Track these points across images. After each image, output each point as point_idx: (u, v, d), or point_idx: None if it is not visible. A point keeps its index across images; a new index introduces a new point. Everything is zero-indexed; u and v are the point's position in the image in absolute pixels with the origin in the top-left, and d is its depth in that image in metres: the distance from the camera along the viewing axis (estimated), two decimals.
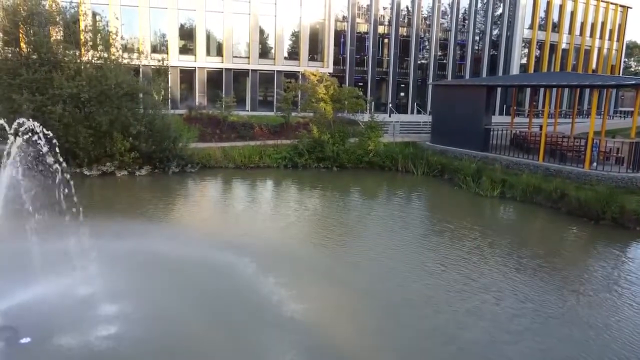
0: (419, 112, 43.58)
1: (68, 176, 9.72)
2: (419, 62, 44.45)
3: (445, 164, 24.61)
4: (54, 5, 22.27)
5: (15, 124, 8.94)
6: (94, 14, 33.12)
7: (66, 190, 9.56)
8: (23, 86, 20.09)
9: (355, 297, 10.83)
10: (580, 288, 11.69)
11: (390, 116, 38.31)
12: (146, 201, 18.74)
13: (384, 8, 42.84)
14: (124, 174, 22.27)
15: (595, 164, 21.22)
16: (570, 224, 17.27)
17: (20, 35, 21.73)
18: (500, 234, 15.95)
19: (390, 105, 41.49)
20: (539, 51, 48.10)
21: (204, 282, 10.90)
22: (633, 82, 19.86)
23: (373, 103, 41.41)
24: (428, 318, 9.87)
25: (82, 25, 22.44)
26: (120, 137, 21.90)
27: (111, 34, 23.09)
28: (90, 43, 22.28)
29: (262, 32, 38.42)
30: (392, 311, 10.13)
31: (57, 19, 22.27)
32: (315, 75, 26.25)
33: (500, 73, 46.65)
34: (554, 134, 27.41)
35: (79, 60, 21.35)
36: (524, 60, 47.41)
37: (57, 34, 22.09)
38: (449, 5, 44.55)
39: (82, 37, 22.24)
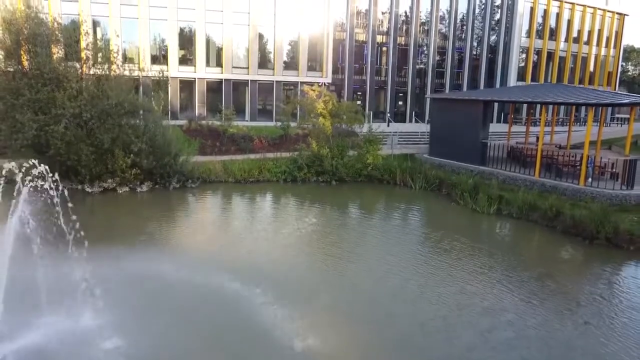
0: (417, 121, 43.93)
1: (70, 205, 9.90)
2: (417, 69, 44.73)
3: (443, 178, 24.89)
4: (55, 23, 22.52)
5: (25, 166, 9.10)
6: (94, 26, 33.60)
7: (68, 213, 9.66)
8: (26, 106, 20.34)
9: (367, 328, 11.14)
10: (571, 314, 12.00)
11: (388, 126, 38.63)
12: (148, 220, 18.94)
13: (383, 13, 43.10)
14: (125, 190, 22.53)
15: (590, 179, 21.52)
16: (565, 244, 17.57)
17: (22, 53, 21.98)
18: (496, 255, 16.16)
19: (389, 114, 41.79)
20: (536, 57, 48.41)
21: (211, 316, 11.16)
22: (627, 101, 20.13)
23: (372, 112, 41.87)
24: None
25: (83, 43, 22.67)
26: (122, 154, 22.16)
27: (112, 52, 23.32)
28: (92, 61, 22.49)
29: (261, 42, 38.69)
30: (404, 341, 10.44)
31: (59, 36, 22.50)
32: (314, 91, 26.53)
33: (498, 81, 47.00)
34: (550, 148, 27.73)
35: (80, 79, 21.52)
36: (522, 66, 47.73)
37: (58, 51, 22.30)
38: (446, 10, 44.82)
39: (83, 55, 22.47)
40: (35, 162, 9.30)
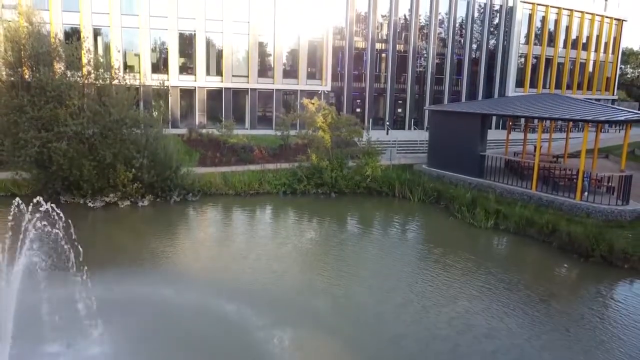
0: (415, 127, 44.17)
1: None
2: (416, 76, 44.95)
3: (441, 190, 25.15)
4: (57, 40, 22.77)
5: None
6: (95, 35, 33.84)
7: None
8: (28, 123, 20.60)
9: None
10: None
11: (387, 134, 38.87)
12: (150, 237, 19.19)
13: (383, 16, 43.29)
14: (127, 205, 22.79)
15: (586, 193, 21.76)
16: (560, 261, 17.83)
17: (25, 69, 22.22)
18: (492, 272, 16.40)
19: (388, 123, 42.00)
20: (535, 61, 48.60)
21: (211, 338, 11.44)
22: (622, 118, 20.37)
23: (371, 120, 42.13)
24: None
25: (84, 59, 22.92)
26: (123, 168, 22.41)
27: (113, 68, 23.56)
28: (93, 76, 22.73)
29: (261, 51, 38.88)
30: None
31: (61, 53, 22.73)
32: (313, 104, 26.78)
33: (497, 89, 47.22)
34: (547, 159, 27.98)
35: (82, 95, 21.75)
36: (521, 70, 47.94)
37: (60, 68, 22.53)
38: (445, 14, 45.02)
39: (84, 71, 22.70)
40: (41, 199, 9.47)
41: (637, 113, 20.80)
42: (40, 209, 9.59)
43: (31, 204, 9.42)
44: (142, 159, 22.36)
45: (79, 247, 10.37)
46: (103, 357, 10.32)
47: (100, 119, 21.35)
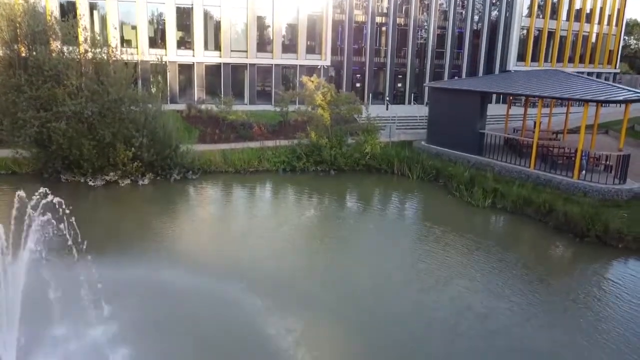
0: (415, 102, 43.97)
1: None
2: (416, 50, 44.48)
3: (440, 168, 25.25)
4: (53, 18, 22.50)
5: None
6: (92, 9, 33.40)
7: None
8: (27, 103, 20.55)
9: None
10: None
11: (387, 109, 38.73)
12: (151, 216, 19.42)
13: None
14: (127, 183, 22.91)
15: (584, 172, 21.88)
16: (556, 241, 18.06)
17: (21, 47, 22.04)
18: (489, 251, 16.66)
19: (388, 98, 41.76)
20: (537, 33, 48.00)
21: (212, 318, 11.73)
22: (621, 98, 20.30)
23: (371, 94, 41.91)
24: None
25: (81, 37, 22.69)
26: (123, 147, 22.47)
27: (110, 47, 23.34)
28: (90, 55, 22.55)
29: (259, 25, 38.38)
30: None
31: (57, 31, 22.49)
32: (312, 82, 26.62)
33: (498, 63, 46.75)
34: (547, 136, 28.00)
35: (80, 75, 21.62)
36: (522, 44, 47.39)
37: (56, 46, 22.33)
38: None
39: (81, 49, 22.50)
40: (46, 190, 9.56)
41: (636, 92, 20.72)
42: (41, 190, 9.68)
43: (35, 195, 9.48)
44: (142, 138, 22.39)
45: (81, 227, 10.48)
46: (106, 337, 10.60)
47: (99, 99, 21.28)
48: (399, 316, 12.43)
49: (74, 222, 10.18)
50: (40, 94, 20.56)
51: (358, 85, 42.60)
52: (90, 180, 22.54)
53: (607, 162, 22.67)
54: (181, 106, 34.12)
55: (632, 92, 20.86)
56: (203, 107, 33.40)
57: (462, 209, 21.29)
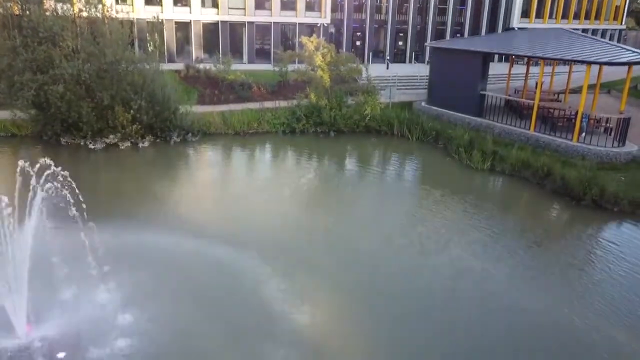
0: (416, 61, 43.36)
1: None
2: (418, 6, 43.49)
3: (439, 130, 25.21)
4: None
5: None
6: None
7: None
8: (23, 65, 20.33)
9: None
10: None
11: (387, 68, 38.25)
12: (151, 178, 19.59)
13: None
14: (128, 146, 22.92)
15: (584, 134, 21.90)
16: (553, 204, 18.30)
17: (14, 7, 21.60)
18: (486, 214, 16.95)
19: (388, 57, 41.14)
20: None
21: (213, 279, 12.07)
22: (625, 60, 20.05)
23: (371, 53, 41.29)
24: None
25: None
26: (122, 110, 22.38)
27: (105, 7, 22.83)
28: (85, 14, 22.10)
29: None
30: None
31: None
32: (312, 42, 26.20)
33: (501, 20, 45.74)
34: (548, 97, 27.84)
35: (75, 36, 21.27)
36: (526, 5, 46.31)
37: (50, 5, 21.86)
38: None
39: (75, 8, 22.02)
40: (48, 159, 9.61)
41: None
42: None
43: (37, 164, 9.56)
44: (140, 101, 22.26)
45: (83, 192, 10.54)
46: (109, 297, 10.95)
47: (95, 61, 21.03)
48: (397, 277, 12.76)
49: (76, 189, 10.22)
50: (36, 56, 20.30)
51: (358, 43, 41.92)
52: (90, 143, 22.54)
53: (608, 125, 22.64)
54: (179, 66, 33.68)
55: (635, 54, 20.59)
56: (201, 67, 32.96)
57: (461, 171, 21.43)
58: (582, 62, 20.98)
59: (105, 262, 11.23)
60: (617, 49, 21.74)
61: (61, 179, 9.98)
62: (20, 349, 9.33)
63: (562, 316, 11.30)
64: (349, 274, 12.89)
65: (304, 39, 26.75)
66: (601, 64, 21.14)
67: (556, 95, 29.86)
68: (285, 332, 10.44)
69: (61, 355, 9.46)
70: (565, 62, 22.66)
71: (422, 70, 37.13)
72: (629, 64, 20.19)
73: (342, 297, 11.99)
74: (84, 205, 10.45)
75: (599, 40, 23.61)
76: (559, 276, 13.24)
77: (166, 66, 31.72)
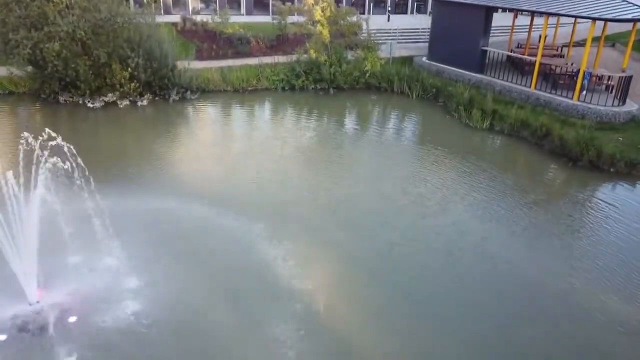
0: (418, 12, 42.31)
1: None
2: None
3: (439, 87, 25.04)
4: None
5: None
6: None
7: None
8: (17, 22, 19.96)
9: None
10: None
11: (388, 20, 37.40)
12: (151, 138, 19.64)
13: None
14: (126, 104, 22.83)
15: (585, 92, 21.76)
16: (550, 165, 18.47)
17: None
18: (484, 175, 17.13)
19: (389, 9, 40.05)
20: None
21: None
22: (630, 16, 19.64)
23: (372, 3, 40.24)
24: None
25: None
26: (119, 67, 22.16)
27: None
28: None
29: None
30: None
31: None
32: None
33: None
34: (551, 52, 27.45)
35: None
36: None
37: None
38: None
39: None
40: (50, 131, 9.68)
41: None
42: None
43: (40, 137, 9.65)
44: (137, 58, 21.99)
45: (84, 154, 10.51)
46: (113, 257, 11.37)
47: (91, 17, 20.62)
48: (398, 240, 13.13)
49: (75, 153, 10.13)
50: (29, 12, 19.89)
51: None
52: (89, 101, 22.43)
53: (609, 82, 22.46)
54: (175, 17, 32.97)
55: None
56: (198, 19, 32.22)
57: (460, 130, 21.48)
58: (586, 18, 20.55)
59: (108, 221, 11.37)
60: (623, 3, 21.22)
61: (66, 150, 10.10)
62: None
63: (557, 275, 11.76)
64: (347, 236, 13.22)
65: None
66: (606, 20, 20.72)
67: (559, 49, 29.40)
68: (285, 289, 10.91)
69: (73, 319, 9.90)
70: (569, 17, 22.10)
71: (423, 22, 36.31)
72: (634, 20, 19.80)
73: (339, 256, 12.39)
74: (85, 170, 10.47)
75: None
76: (561, 239, 13.58)
77: (162, 18, 31.13)
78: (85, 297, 10.36)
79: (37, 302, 10.03)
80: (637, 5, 20.73)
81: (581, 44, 31.35)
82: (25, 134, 9.71)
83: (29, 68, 22.32)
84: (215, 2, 35.32)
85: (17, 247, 9.69)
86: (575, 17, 21.52)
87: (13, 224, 9.58)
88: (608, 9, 20.72)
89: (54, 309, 9.90)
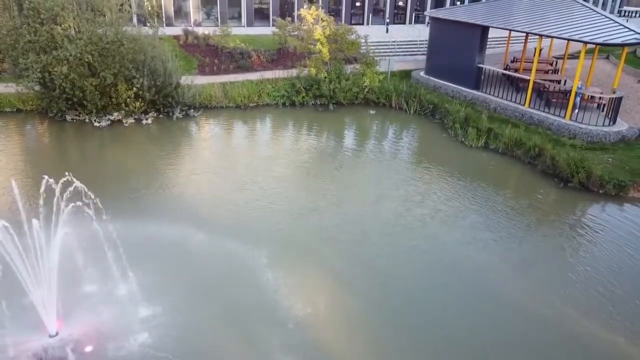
0: (417, 20, 42.92)
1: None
2: None
3: (436, 104, 25.70)
4: None
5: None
6: None
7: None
8: (27, 46, 20.60)
9: None
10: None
11: (387, 31, 38.03)
12: (156, 156, 20.25)
13: None
14: (131, 122, 23.48)
15: (577, 110, 22.40)
16: (541, 185, 19.07)
17: None
18: (477, 192, 17.80)
19: (388, 20, 40.67)
20: None
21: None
22: (620, 41, 20.28)
23: (371, 14, 40.85)
24: None
25: None
26: (125, 87, 22.80)
27: None
28: None
29: None
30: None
31: None
32: (311, 14, 26.16)
33: None
34: (545, 67, 28.11)
35: (76, 15, 21.38)
36: None
37: None
38: None
39: None
40: (70, 175, 10.34)
41: (637, 33, 20.60)
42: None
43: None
44: (142, 79, 22.64)
45: (91, 176, 11.18)
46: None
47: (98, 42, 21.26)
48: (392, 256, 13.81)
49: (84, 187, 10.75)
50: (39, 37, 20.54)
51: (358, 4, 41.35)
52: (95, 120, 23.07)
53: (601, 101, 23.12)
54: (177, 30, 33.60)
55: (632, 33, 20.75)
56: (200, 32, 32.86)
57: (456, 149, 22.10)
58: (578, 41, 21.19)
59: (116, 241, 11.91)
60: (614, 25, 21.82)
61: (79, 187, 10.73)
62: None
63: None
64: (345, 244, 13.88)
65: (303, 12, 26.69)
66: (596, 44, 21.37)
67: (554, 63, 30.06)
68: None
69: (89, 349, 10.59)
70: (562, 39, 22.74)
71: (422, 33, 36.95)
72: (624, 45, 20.47)
73: (334, 264, 13.08)
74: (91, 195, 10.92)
75: (599, 13, 23.60)
76: (543, 255, 14.27)
77: (164, 31, 31.73)
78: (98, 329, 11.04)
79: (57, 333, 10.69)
80: (627, 27, 21.34)
81: (576, 56, 31.98)
82: (45, 176, 10.38)
83: (37, 87, 22.95)
84: (217, 14, 35.89)
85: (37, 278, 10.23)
86: (567, 40, 22.16)
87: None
88: (599, 32, 21.36)
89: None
